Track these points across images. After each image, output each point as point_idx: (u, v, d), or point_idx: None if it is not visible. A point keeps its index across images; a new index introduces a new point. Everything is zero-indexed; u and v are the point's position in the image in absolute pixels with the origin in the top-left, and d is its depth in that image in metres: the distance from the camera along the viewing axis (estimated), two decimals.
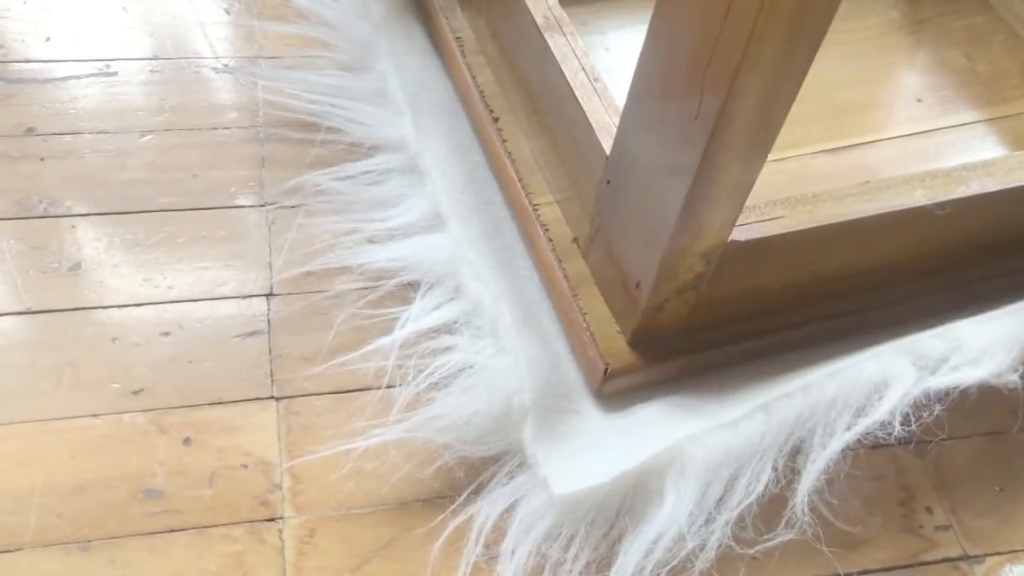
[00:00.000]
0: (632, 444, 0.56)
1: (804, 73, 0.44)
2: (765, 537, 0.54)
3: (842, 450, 0.54)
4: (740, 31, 0.41)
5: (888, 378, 0.56)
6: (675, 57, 0.47)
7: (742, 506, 0.53)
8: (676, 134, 0.48)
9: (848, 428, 0.54)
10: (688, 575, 0.52)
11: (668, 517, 0.52)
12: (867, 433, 0.54)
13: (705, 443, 0.54)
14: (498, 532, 0.53)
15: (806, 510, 0.53)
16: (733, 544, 0.53)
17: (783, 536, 0.53)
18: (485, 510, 0.54)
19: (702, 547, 0.52)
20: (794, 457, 0.55)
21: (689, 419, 0.57)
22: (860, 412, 0.55)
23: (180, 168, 0.68)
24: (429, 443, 0.55)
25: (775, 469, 0.54)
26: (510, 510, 0.54)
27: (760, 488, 0.53)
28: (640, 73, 0.51)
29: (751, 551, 0.53)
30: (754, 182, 0.49)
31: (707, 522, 0.52)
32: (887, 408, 0.55)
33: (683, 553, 0.52)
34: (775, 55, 0.42)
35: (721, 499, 0.53)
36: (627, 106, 0.53)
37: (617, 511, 0.54)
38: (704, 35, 0.43)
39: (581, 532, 0.53)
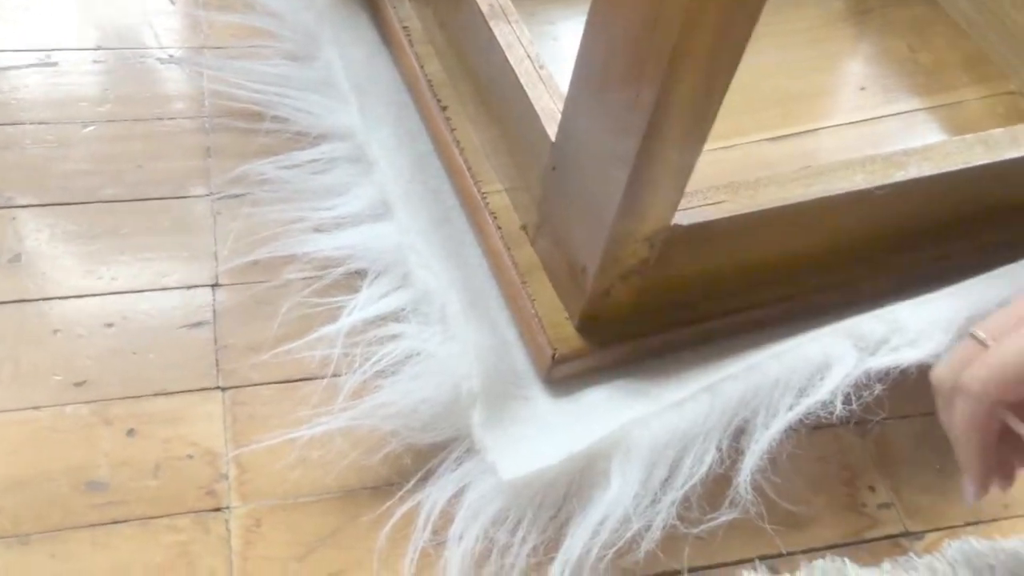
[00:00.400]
0: (580, 427, 0.56)
1: (738, 60, 0.44)
2: (709, 516, 0.54)
3: (785, 430, 0.55)
4: (673, 21, 0.41)
5: (830, 359, 0.57)
6: (614, 46, 0.47)
7: (687, 486, 0.53)
8: (616, 121, 0.49)
9: (791, 408, 0.55)
10: (634, 555, 0.52)
11: (614, 499, 0.52)
12: (809, 413, 0.55)
13: (651, 425, 0.54)
14: (446, 518, 0.53)
15: (749, 489, 0.53)
16: (678, 523, 0.53)
17: (728, 515, 0.54)
18: (433, 496, 0.54)
19: (648, 527, 0.52)
20: (738, 438, 0.56)
21: (635, 402, 0.57)
22: (802, 392, 0.56)
23: (124, 159, 0.67)
24: (376, 431, 0.55)
25: (719, 449, 0.54)
26: (458, 496, 0.54)
27: (704, 468, 0.53)
28: (581, 62, 0.51)
29: (696, 530, 0.54)
30: (694, 166, 0.50)
31: (653, 502, 0.53)
32: (829, 388, 0.56)
33: (629, 534, 0.52)
34: (708, 44, 0.42)
35: (667, 480, 0.53)
36: (570, 94, 0.53)
37: (564, 494, 0.54)
38: (640, 25, 0.44)
39: (528, 515, 0.53)
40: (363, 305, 0.59)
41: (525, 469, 0.54)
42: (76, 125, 0.68)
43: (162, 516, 0.52)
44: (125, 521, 0.52)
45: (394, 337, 0.58)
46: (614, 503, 0.52)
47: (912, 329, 0.59)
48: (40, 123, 0.68)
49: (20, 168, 0.65)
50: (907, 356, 0.57)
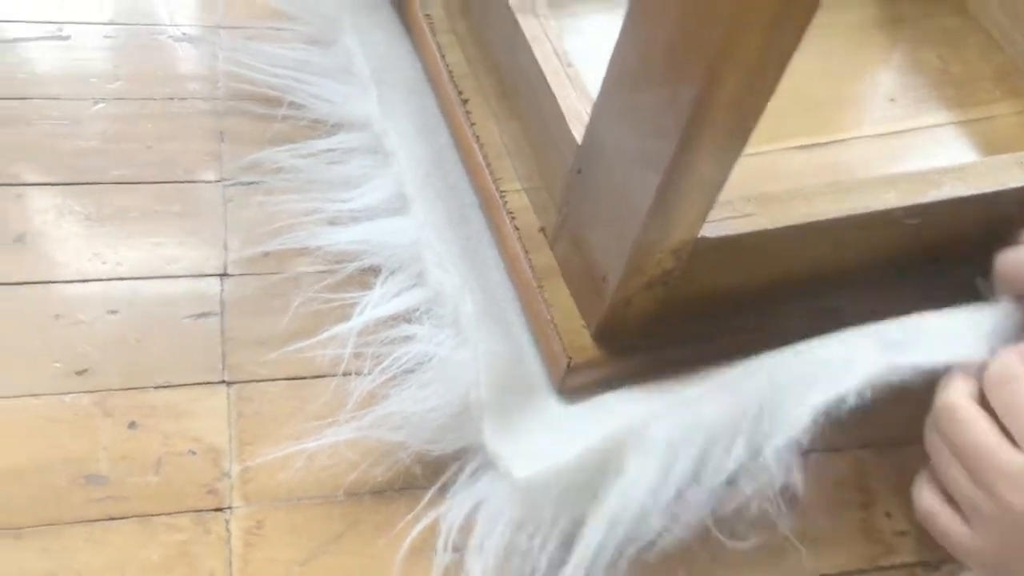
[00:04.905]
0: (594, 427, 0.54)
1: (784, 67, 0.42)
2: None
3: (803, 453, 0.53)
4: (721, 18, 0.39)
5: (853, 356, 0.54)
6: (652, 45, 0.45)
7: (714, 481, 0.51)
8: (651, 125, 0.47)
9: (813, 404, 0.52)
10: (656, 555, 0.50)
11: (628, 492, 0.50)
12: (830, 408, 0.52)
13: (667, 418, 0.52)
14: (460, 528, 0.52)
15: (783, 506, 0.52)
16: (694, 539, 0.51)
17: (749, 540, 0.52)
18: (445, 506, 0.52)
19: (670, 527, 0.50)
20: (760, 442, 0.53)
21: (651, 399, 0.55)
22: (825, 387, 0.53)
23: (134, 139, 0.65)
24: (384, 440, 0.53)
25: (746, 446, 0.52)
26: (472, 503, 0.52)
27: (731, 464, 0.51)
28: (616, 60, 0.49)
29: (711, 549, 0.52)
30: (727, 177, 0.48)
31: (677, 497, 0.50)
32: (853, 383, 0.53)
33: (650, 532, 0.50)
34: (754, 47, 0.41)
35: (691, 473, 0.51)
36: (601, 94, 0.51)
37: (581, 492, 0.51)
38: (684, 21, 0.42)
39: (547, 517, 0.51)
40: (376, 303, 0.58)
41: (539, 467, 0.52)
42: (86, 102, 0.66)
43: (161, 514, 0.51)
44: (123, 518, 0.50)
45: (406, 339, 0.57)
46: (628, 496, 0.50)
47: (936, 333, 0.56)
48: (49, 98, 0.66)
49: (27, 144, 0.63)
50: (932, 358, 0.54)
